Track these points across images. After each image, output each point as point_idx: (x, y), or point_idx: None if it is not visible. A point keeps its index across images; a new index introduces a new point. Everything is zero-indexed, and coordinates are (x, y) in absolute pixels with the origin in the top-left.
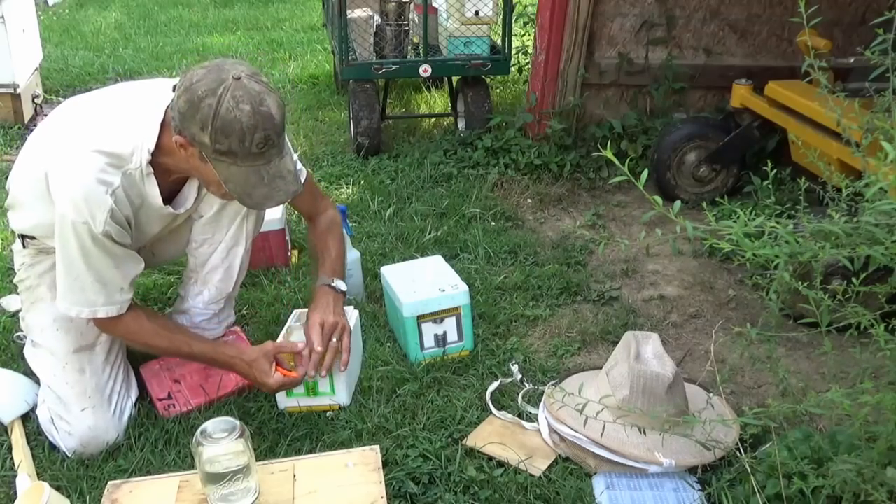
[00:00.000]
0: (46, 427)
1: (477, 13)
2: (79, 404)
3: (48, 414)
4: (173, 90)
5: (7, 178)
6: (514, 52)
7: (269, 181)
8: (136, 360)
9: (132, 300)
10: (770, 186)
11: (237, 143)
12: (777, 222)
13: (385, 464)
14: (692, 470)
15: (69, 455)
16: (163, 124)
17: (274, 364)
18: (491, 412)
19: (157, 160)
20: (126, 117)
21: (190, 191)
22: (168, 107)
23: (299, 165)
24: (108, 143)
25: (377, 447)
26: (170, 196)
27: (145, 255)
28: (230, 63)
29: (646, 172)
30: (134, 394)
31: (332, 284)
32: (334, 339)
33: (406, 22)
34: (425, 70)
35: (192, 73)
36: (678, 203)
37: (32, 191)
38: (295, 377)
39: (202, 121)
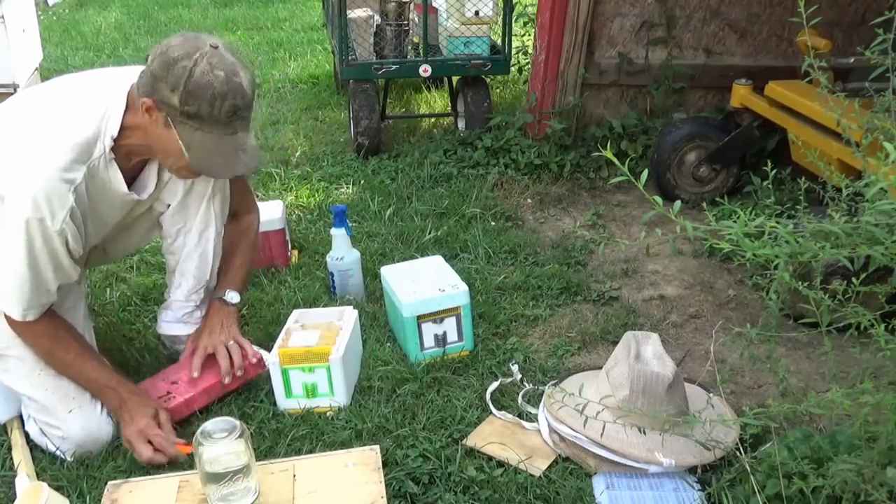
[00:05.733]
0: (39, 440)
1: (477, 13)
2: (64, 407)
3: (36, 426)
4: (145, 60)
5: None
6: (514, 52)
7: (232, 152)
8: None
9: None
10: (770, 186)
11: (206, 108)
12: (777, 222)
13: (385, 464)
14: (692, 470)
15: (69, 459)
16: (126, 106)
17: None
18: (491, 412)
19: (120, 143)
20: (84, 106)
21: (150, 175)
22: (133, 85)
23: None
24: (68, 135)
25: (377, 447)
26: (129, 182)
27: (97, 254)
28: (206, 35)
29: (646, 172)
30: None
31: (224, 297)
32: (238, 372)
33: (406, 22)
34: (425, 70)
35: (167, 40)
36: (678, 203)
37: None
38: (174, 455)
39: (174, 82)
